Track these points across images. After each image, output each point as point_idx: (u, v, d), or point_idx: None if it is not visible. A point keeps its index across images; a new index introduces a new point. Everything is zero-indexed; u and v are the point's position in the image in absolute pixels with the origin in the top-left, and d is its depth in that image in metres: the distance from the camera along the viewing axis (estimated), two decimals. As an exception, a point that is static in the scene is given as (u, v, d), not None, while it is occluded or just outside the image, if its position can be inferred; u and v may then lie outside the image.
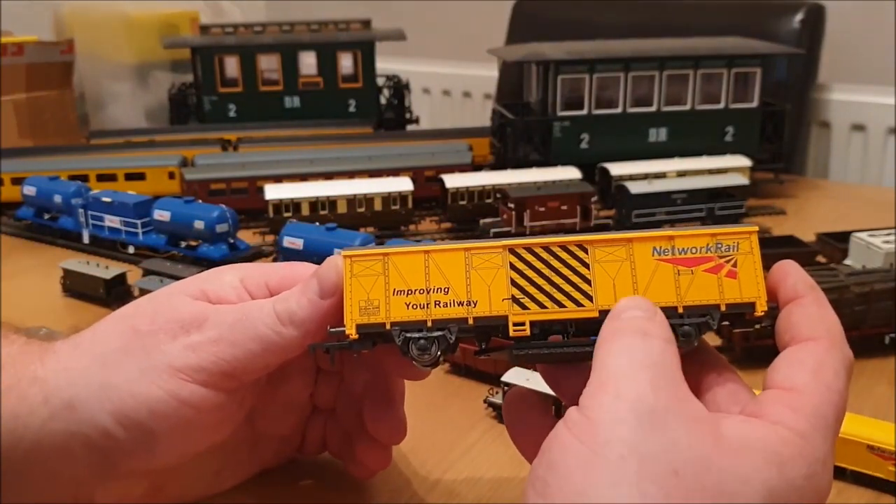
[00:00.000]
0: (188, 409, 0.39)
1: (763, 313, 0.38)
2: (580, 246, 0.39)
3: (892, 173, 1.57)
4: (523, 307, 0.38)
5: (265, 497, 0.47)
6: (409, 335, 0.39)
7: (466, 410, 0.58)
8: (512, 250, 0.39)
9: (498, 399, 0.56)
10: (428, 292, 0.39)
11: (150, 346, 0.40)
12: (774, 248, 0.84)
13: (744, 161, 1.06)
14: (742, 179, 1.01)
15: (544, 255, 0.39)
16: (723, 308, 0.38)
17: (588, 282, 0.38)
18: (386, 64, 1.44)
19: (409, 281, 0.39)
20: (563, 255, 0.39)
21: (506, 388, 0.55)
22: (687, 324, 0.37)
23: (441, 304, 0.39)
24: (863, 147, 1.62)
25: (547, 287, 0.38)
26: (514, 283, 0.39)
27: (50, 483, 0.41)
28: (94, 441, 0.39)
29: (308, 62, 1.35)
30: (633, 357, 0.33)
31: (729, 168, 1.04)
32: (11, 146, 1.19)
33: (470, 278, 0.39)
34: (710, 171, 1.03)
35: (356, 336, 0.39)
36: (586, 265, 0.38)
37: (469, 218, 1.00)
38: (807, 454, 0.32)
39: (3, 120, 1.24)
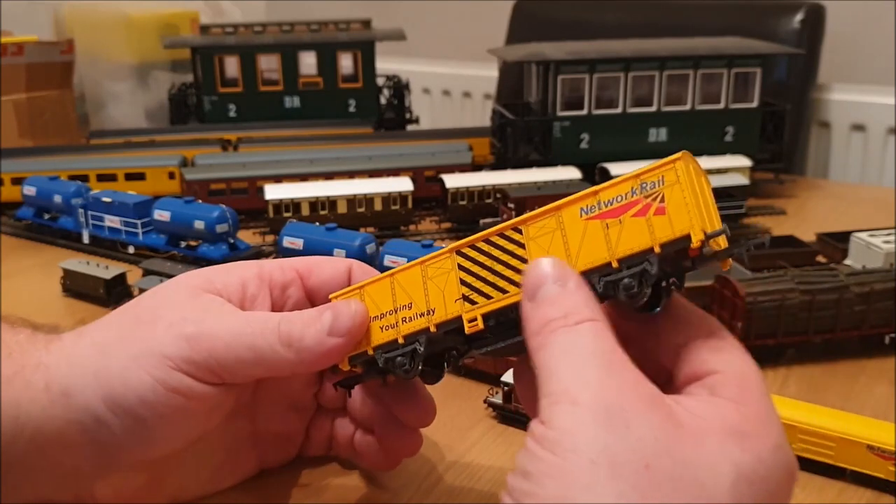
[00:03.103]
0: (177, 397, 0.39)
1: (701, 243, 0.33)
2: (515, 229, 0.38)
3: (892, 173, 1.57)
4: (473, 303, 0.39)
5: (265, 497, 0.47)
6: (386, 355, 0.41)
7: (466, 410, 0.58)
8: (458, 251, 0.40)
9: (498, 399, 0.56)
10: (395, 312, 0.41)
11: (147, 333, 0.40)
12: (774, 248, 0.84)
13: (744, 161, 1.06)
14: (742, 179, 1.01)
15: (486, 247, 0.39)
16: (657, 249, 0.34)
17: (525, 261, 0.37)
18: (386, 64, 1.44)
19: (381, 305, 0.42)
20: (502, 243, 0.38)
21: (505, 387, 0.55)
22: (626, 276, 0.35)
23: (407, 320, 0.41)
24: (863, 147, 1.62)
25: (490, 277, 0.39)
26: (463, 283, 0.39)
27: (51, 474, 0.41)
28: (89, 428, 0.40)
29: (308, 62, 1.35)
30: (573, 355, 0.33)
31: (729, 168, 1.04)
32: (11, 146, 1.19)
33: (427, 289, 0.40)
34: (710, 171, 1.03)
35: (348, 368, 0.43)
36: (522, 245, 0.38)
37: (469, 218, 1.00)
38: (769, 428, 0.32)
39: (3, 120, 1.24)
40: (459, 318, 0.39)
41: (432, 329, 0.40)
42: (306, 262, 0.47)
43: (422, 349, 0.40)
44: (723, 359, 0.35)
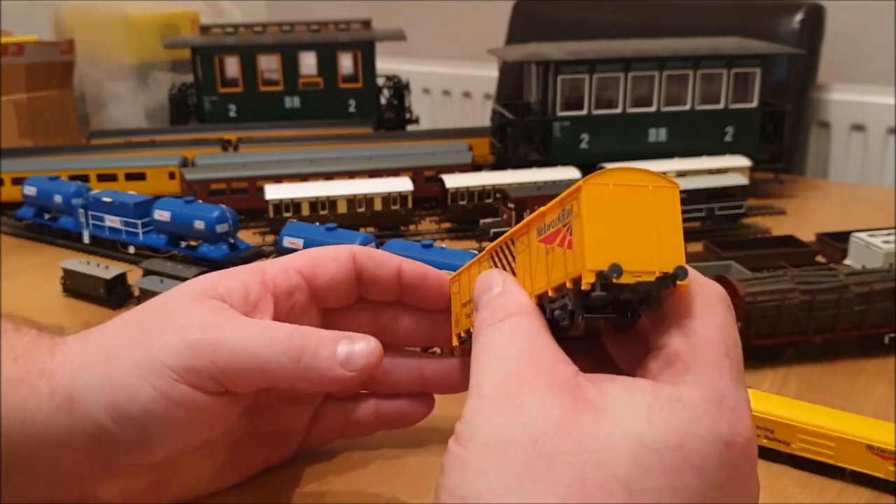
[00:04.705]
0: (179, 409, 0.39)
1: (590, 286, 0.31)
2: (511, 240, 0.38)
3: (892, 173, 1.57)
4: None
5: (265, 497, 0.47)
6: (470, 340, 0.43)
7: (466, 410, 0.58)
8: (491, 255, 0.41)
9: (498, 399, 0.56)
10: (467, 304, 0.43)
11: (150, 341, 0.40)
12: (774, 248, 0.84)
13: (743, 161, 1.06)
14: (742, 179, 1.01)
15: (499, 254, 0.40)
16: (568, 284, 0.32)
17: (515, 275, 0.38)
18: (386, 64, 1.44)
19: (464, 293, 0.43)
20: (506, 252, 0.39)
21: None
22: (557, 307, 0.33)
23: (469, 315, 0.42)
24: (863, 147, 1.62)
25: None
26: None
27: (56, 477, 0.41)
28: (92, 435, 0.39)
29: (308, 62, 1.35)
30: (491, 351, 0.34)
31: (729, 168, 1.04)
32: (11, 146, 1.19)
33: None
34: (710, 172, 1.03)
35: (457, 344, 0.45)
36: (514, 258, 0.38)
37: (469, 218, 1.00)
38: (689, 399, 0.31)
39: (3, 120, 1.24)
40: None
41: None
42: (309, 260, 0.46)
43: None
44: (672, 331, 0.33)
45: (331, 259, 0.46)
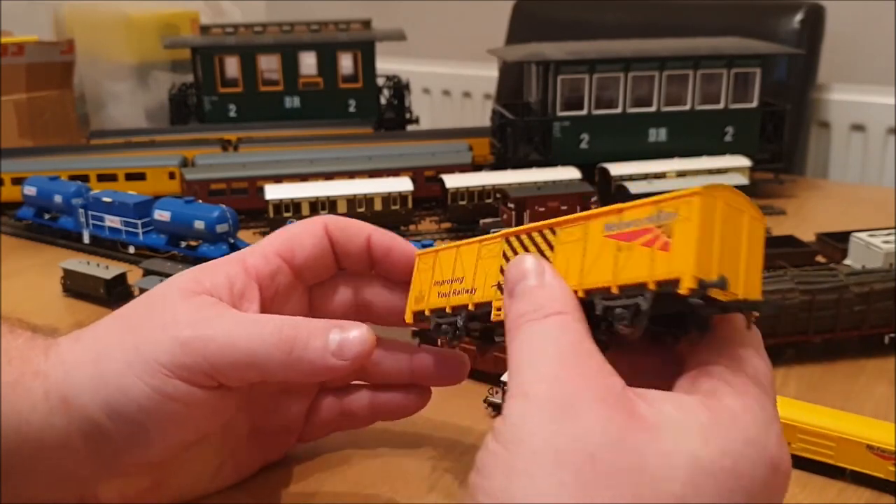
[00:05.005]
0: (174, 404, 0.39)
1: (690, 291, 0.30)
2: (551, 229, 0.38)
3: (892, 173, 1.57)
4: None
5: (265, 497, 0.47)
6: (437, 320, 0.43)
7: (466, 410, 0.58)
8: (507, 238, 0.40)
9: (498, 399, 0.56)
10: (451, 282, 0.42)
11: (140, 339, 0.40)
12: (774, 248, 0.84)
13: (743, 161, 1.06)
14: (742, 179, 1.01)
15: (527, 241, 0.39)
16: (651, 286, 0.32)
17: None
18: (386, 64, 1.44)
19: (444, 273, 0.43)
20: (539, 240, 0.38)
21: (505, 388, 0.55)
22: (620, 305, 0.33)
23: (456, 293, 0.41)
24: (863, 147, 1.62)
25: None
26: (502, 270, 0.39)
27: (56, 478, 0.41)
28: (89, 435, 0.39)
29: (308, 62, 1.35)
30: (536, 348, 0.33)
31: (729, 168, 1.04)
32: (11, 146, 1.19)
33: (477, 268, 0.41)
34: (710, 172, 1.03)
35: (411, 321, 0.45)
36: (551, 248, 0.37)
37: (469, 218, 1.00)
38: (742, 423, 0.31)
39: (3, 120, 1.24)
40: (489, 304, 0.39)
41: (471, 307, 0.41)
42: (285, 240, 0.46)
43: (461, 323, 0.41)
44: (720, 353, 0.34)
45: (307, 235, 0.46)
